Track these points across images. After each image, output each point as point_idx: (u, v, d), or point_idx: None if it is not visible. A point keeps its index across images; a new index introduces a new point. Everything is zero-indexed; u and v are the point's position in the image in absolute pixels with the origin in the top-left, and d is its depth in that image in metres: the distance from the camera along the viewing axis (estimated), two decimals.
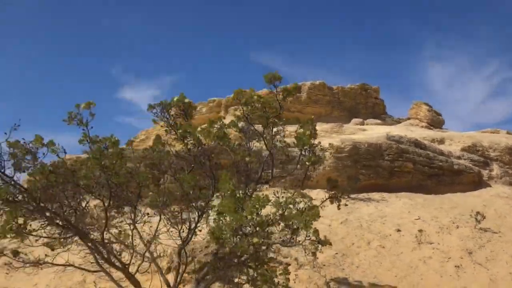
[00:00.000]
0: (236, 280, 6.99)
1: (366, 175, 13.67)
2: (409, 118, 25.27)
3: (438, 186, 14.58)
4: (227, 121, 24.61)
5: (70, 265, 6.29)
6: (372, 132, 19.01)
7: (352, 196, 12.93)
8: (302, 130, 6.44)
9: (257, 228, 4.81)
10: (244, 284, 6.77)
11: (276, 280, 6.19)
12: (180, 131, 6.46)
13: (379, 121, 23.86)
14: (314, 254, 5.54)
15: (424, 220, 11.56)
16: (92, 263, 6.36)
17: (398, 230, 10.82)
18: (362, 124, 23.32)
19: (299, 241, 5.40)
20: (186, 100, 6.92)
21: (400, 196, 13.46)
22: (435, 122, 24.47)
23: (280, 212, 5.10)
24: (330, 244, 5.37)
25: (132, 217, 5.94)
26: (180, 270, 6.56)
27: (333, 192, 7.29)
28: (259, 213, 4.83)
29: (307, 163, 6.19)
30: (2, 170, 4.88)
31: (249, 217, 4.79)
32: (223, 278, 6.44)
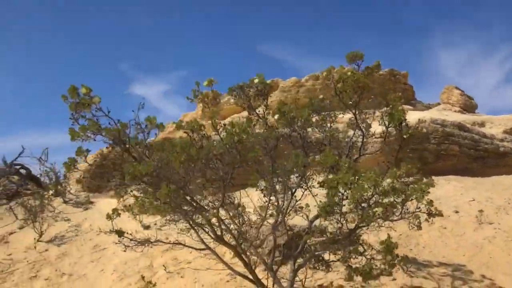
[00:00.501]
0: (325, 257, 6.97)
1: (413, 158, 13.52)
2: (438, 104, 24.99)
3: (483, 168, 14.45)
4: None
5: (179, 243, 6.29)
6: (408, 117, 18.78)
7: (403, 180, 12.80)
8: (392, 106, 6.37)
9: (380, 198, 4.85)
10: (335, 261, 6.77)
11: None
12: (266, 110, 6.39)
13: (410, 107, 23.57)
14: (419, 227, 5.47)
15: (479, 201, 11.42)
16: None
17: (456, 212, 10.69)
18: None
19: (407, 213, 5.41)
20: (267, 82, 6.86)
21: (448, 179, 13.35)
22: (468, 107, 24.02)
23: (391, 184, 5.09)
24: (442, 215, 5.34)
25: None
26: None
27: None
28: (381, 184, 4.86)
29: (404, 136, 6.13)
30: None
31: (371, 188, 4.79)
32: (316, 256, 6.42)
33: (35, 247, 10.65)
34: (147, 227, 11.40)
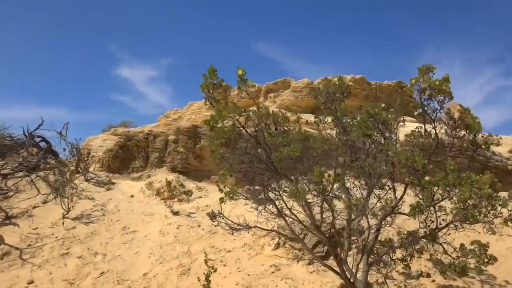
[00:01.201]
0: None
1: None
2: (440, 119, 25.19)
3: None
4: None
5: (272, 230, 6.13)
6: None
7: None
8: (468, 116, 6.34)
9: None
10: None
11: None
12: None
13: (413, 119, 23.67)
14: (493, 232, 5.51)
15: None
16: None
17: None
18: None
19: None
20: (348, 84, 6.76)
21: None
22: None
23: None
24: None
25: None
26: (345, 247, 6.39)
27: None
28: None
29: (483, 146, 6.11)
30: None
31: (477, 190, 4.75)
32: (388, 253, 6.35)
33: (63, 223, 10.33)
34: (176, 213, 11.16)
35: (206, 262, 8.65)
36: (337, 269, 6.18)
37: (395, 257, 7.14)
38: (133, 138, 14.39)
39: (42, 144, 13.80)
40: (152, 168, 13.84)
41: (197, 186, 13.16)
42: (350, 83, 22.46)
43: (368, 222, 6.45)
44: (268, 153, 5.16)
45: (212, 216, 6.29)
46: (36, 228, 10.20)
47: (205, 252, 8.87)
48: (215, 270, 6.79)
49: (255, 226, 6.29)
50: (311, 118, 19.68)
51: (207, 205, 11.93)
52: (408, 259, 7.08)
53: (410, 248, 6.67)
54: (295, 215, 5.95)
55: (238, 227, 6.09)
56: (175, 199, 11.65)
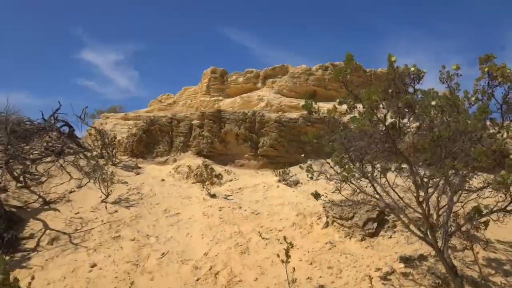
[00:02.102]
0: None
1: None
2: None
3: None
4: (262, 93, 24.36)
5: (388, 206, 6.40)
6: None
7: None
8: None
9: None
10: None
11: None
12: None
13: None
14: None
15: None
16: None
17: None
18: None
19: None
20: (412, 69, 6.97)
21: None
22: None
23: None
24: None
25: None
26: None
27: None
28: None
29: None
30: None
31: None
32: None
33: (105, 208, 10.34)
34: (213, 196, 11.31)
35: (261, 238, 8.95)
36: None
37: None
38: (157, 122, 14.32)
39: (63, 128, 13.57)
40: (177, 152, 13.86)
41: (225, 170, 13.30)
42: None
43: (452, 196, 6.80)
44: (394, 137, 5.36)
45: (316, 195, 6.49)
46: (78, 212, 10.17)
47: (259, 232, 9.13)
48: (292, 246, 7.04)
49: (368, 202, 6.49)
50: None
51: (240, 188, 12.12)
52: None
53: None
54: (396, 193, 6.25)
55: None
56: (207, 183, 11.76)
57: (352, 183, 6.38)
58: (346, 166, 6.05)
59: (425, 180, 6.03)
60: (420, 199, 5.93)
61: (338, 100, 5.98)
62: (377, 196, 6.41)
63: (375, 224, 8.99)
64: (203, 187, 11.48)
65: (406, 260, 7.77)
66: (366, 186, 6.79)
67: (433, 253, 8.09)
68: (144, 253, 8.44)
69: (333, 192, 7.42)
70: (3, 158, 10.43)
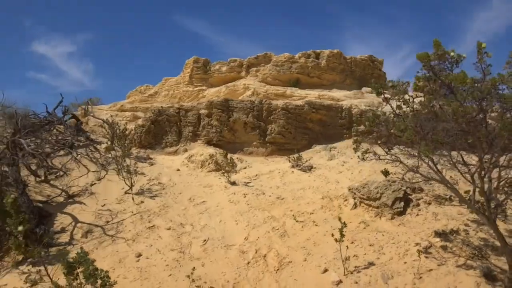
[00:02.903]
0: None
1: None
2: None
3: None
4: (247, 81, 24.51)
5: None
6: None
7: None
8: None
9: None
10: None
11: None
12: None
13: (385, 92, 25.12)
14: None
15: None
16: None
17: None
18: (372, 93, 24.61)
19: None
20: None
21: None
22: None
23: None
24: None
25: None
26: None
27: None
28: None
29: None
30: None
31: None
32: None
33: (132, 199, 10.31)
34: (233, 183, 11.46)
35: (296, 221, 9.24)
36: None
37: None
38: (165, 113, 14.22)
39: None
40: (186, 142, 13.86)
41: (237, 158, 13.44)
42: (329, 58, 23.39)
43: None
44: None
45: (385, 173, 6.79)
46: (104, 205, 10.10)
47: (293, 215, 9.42)
48: (346, 225, 7.38)
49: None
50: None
51: (256, 175, 12.33)
52: None
53: None
54: (460, 171, 6.62)
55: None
56: (222, 171, 11.90)
57: (426, 162, 6.67)
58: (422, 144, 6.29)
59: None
60: (482, 174, 6.35)
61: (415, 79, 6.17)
62: (435, 175, 6.78)
63: (402, 203, 9.46)
64: (224, 175, 11.62)
65: (440, 234, 8.27)
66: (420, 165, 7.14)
67: (462, 227, 8.67)
68: (185, 241, 8.54)
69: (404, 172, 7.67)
70: (16, 153, 10.14)
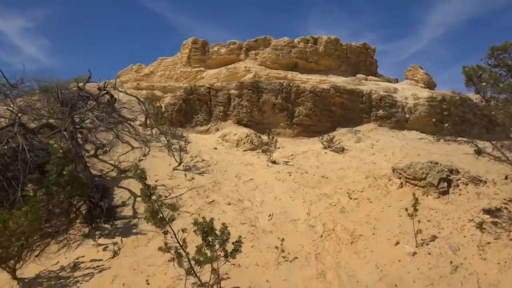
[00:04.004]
0: None
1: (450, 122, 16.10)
2: (397, 80, 27.84)
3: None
4: (246, 64, 24.74)
5: None
6: (396, 86, 21.01)
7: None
8: None
9: None
10: None
11: None
12: None
13: (379, 79, 26.07)
14: None
15: None
16: None
17: None
18: (366, 80, 25.36)
19: None
20: None
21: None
22: (431, 84, 27.26)
23: None
24: None
25: None
26: None
27: None
28: None
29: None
30: None
31: None
32: None
33: (185, 175, 10.48)
34: (274, 162, 11.80)
35: (350, 198, 9.72)
36: None
37: None
38: (195, 92, 14.27)
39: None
40: (217, 121, 14.03)
41: (267, 138, 13.76)
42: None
43: None
44: None
45: (478, 152, 7.24)
46: (157, 180, 10.23)
47: (347, 192, 9.89)
48: (418, 201, 7.89)
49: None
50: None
51: (291, 155, 12.71)
52: None
53: None
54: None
55: None
56: (258, 150, 12.20)
57: None
58: None
59: None
60: None
61: None
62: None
63: (445, 183, 10.11)
64: (262, 154, 11.92)
65: (488, 212, 8.96)
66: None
67: (503, 205, 9.41)
68: (250, 216, 8.86)
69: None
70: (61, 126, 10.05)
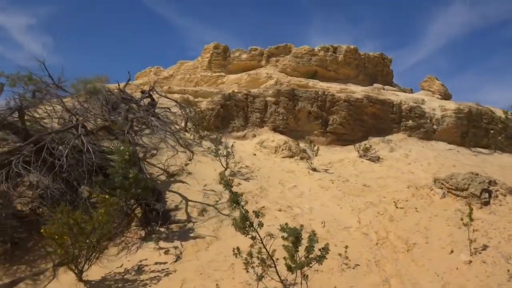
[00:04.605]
0: None
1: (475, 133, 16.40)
2: (411, 90, 28.10)
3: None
4: (267, 70, 25.07)
5: None
6: (414, 96, 21.24)
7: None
8: None
9: None
10: None
11: None
12: None
13: (395, 89, 26.34)
14: None
15: None
16: None
17: None
18: (383, 89, 25.60)
19: None
20: None
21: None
22: (447, 96, 27.48)
23: None
24: None
25: None
26: None
27: None
28: None
29: None
30: None
31: None
32: None
33: (232, 181, 10.66)
34: (314, 169, 12.03)
35: (396, 207, 9.93)
36: None
37: None
38: (233, 98, 14.55)
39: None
40: (253, 127, 14.29)
41: (308, 145, 14.00)
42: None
43: None
44: None
45: None
46: (205, 185, 10.46)
47: (394, 201, 10.11)
48: (472, 211, 8.11)
49: None
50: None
51: (329, 163, 12.94)
52: None
53: None
54: None
55: None
56: (296, 157, 12.44)
57: None
58: None
59: None
60: None
61: None
62: None
63: (487, 194, 10.36)
64: (301, 161, 12.16)
65: None
66: None
67: None
68: (303, 222, 9.04)
69: None
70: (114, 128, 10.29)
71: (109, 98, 11.51)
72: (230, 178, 10.65)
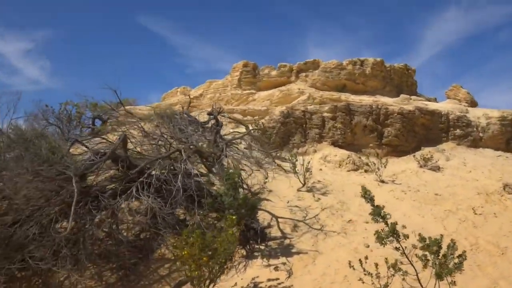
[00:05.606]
0: None
1: None
2: (435, 99, 28.57)
3: None
4: (298, 86, 25.63)
5: None
6: (446, 105, 21.76)
7: None
8: None
9: None
10: None
11: None
12: None
13: (422, 99, 26.86)
14: None
15: None
16: None
17: None
18: (410, 99, 26.13)
19: None
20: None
21: None
22: (473, 103, 27.93)
23: None
24: None
25: None
26: None
27: None
28: None
29: None
30: None
31: None
32: None
33: (313, 196, 11.25)
34: (382, 181, 12.55)
35: (475, 213, 10.38)
36: None
37: None
38: (292, 115, 15.19)
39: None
40: (313, 143, 14.91)
41: (375, 158, 14.54)
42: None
43: None
44: None
45: None
46: (288, 201, 11.00)
47: (472, 208, 10.57)
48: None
49: None
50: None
51: (393, 174, 13.46)
52: None
53: None
54: None
55: None
56: (361, 170, 12.98)
57: None
58: None
59: None
60: None
61: None
62: None
63: None
64: (366, 173, 12.69)
65: None
66: None
67: None
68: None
69: None
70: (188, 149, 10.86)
71: (178, 122, 12.08)
72: (310, 193, 11.22)
